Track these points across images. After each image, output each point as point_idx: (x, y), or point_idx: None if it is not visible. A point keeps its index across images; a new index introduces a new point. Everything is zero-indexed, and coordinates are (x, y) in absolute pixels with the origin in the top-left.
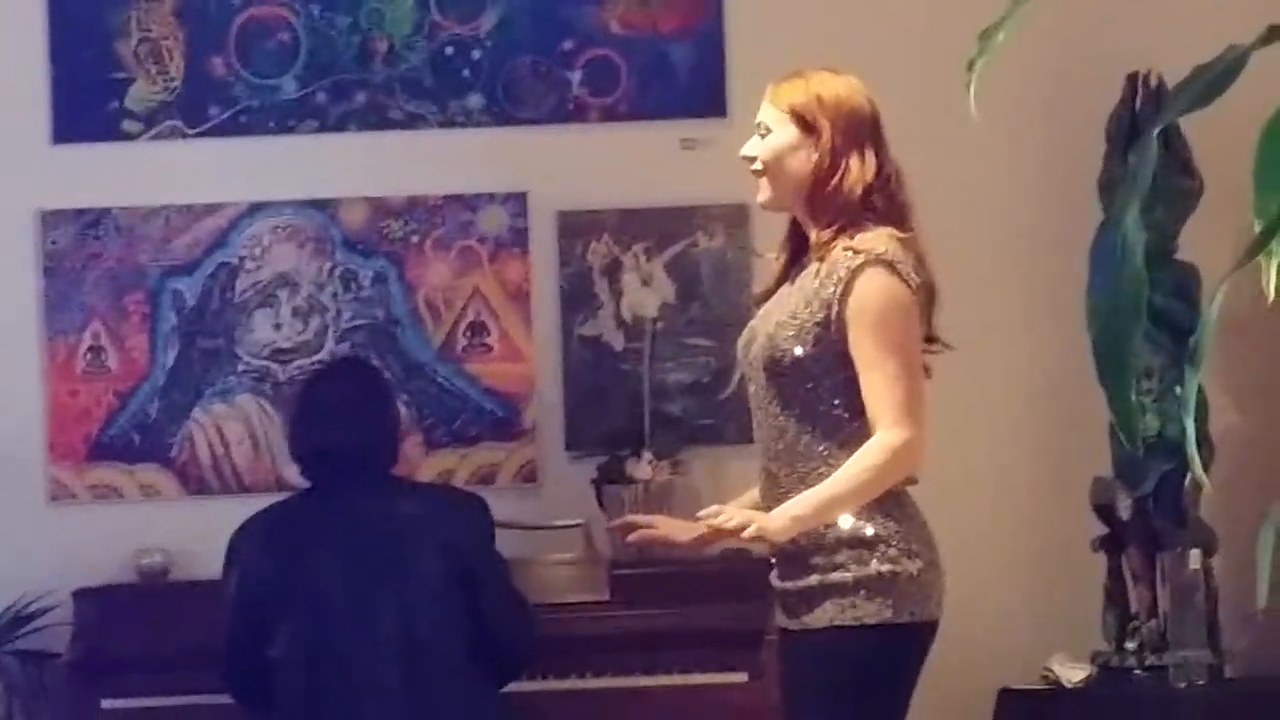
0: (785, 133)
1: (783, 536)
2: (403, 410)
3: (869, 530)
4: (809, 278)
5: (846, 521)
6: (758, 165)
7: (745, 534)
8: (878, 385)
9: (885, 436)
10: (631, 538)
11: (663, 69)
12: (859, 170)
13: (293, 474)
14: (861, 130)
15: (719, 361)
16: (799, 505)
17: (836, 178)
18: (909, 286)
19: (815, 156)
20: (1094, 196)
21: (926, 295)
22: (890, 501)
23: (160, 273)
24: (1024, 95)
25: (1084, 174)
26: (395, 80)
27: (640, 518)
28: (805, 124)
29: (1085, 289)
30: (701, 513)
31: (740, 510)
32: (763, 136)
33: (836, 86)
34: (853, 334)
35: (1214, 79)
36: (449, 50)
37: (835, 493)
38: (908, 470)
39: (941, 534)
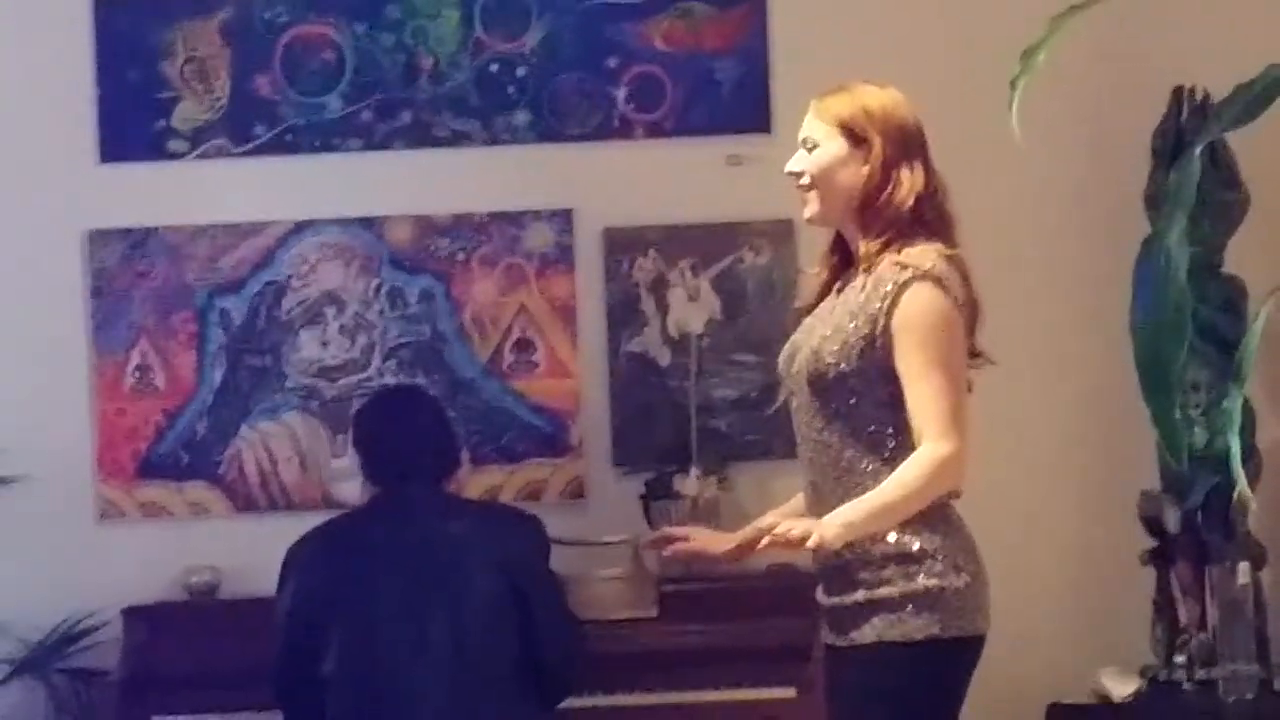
0: (834, 146)
1: (838, 543)
2: None
3: (915, 545)
4: (855, 291)
5: (892, 536)
6: (805, 180)
7: (809, 544)
8: (923, 398)
9: (932, 448)
10: (666, 553)
11: (708, 85)
12: (910, 182)
13: (341, 491)
14: (910, 142)
15: (765, 377)
16: (850, 512)
17: (889, 190)
18: (955, 302)
19: (866, 169)
20: (1141, 210)
21: (971, 312)
22: (936, 515)
23: (207, 291)
24: (1068, 111)
25: (1130, 188)
26: (440, 98)
27: (676, 531)
28: (854, 136)
29: (1130, 304)
30: (760, 522)
31: (798, 520)
32: (809, 151)
33: (882, 98)
34: (899, 348)
35: (1255, 97)
36: (494, 67)
37: (885, 501)
38: (954, 482)
39: (988, 548)
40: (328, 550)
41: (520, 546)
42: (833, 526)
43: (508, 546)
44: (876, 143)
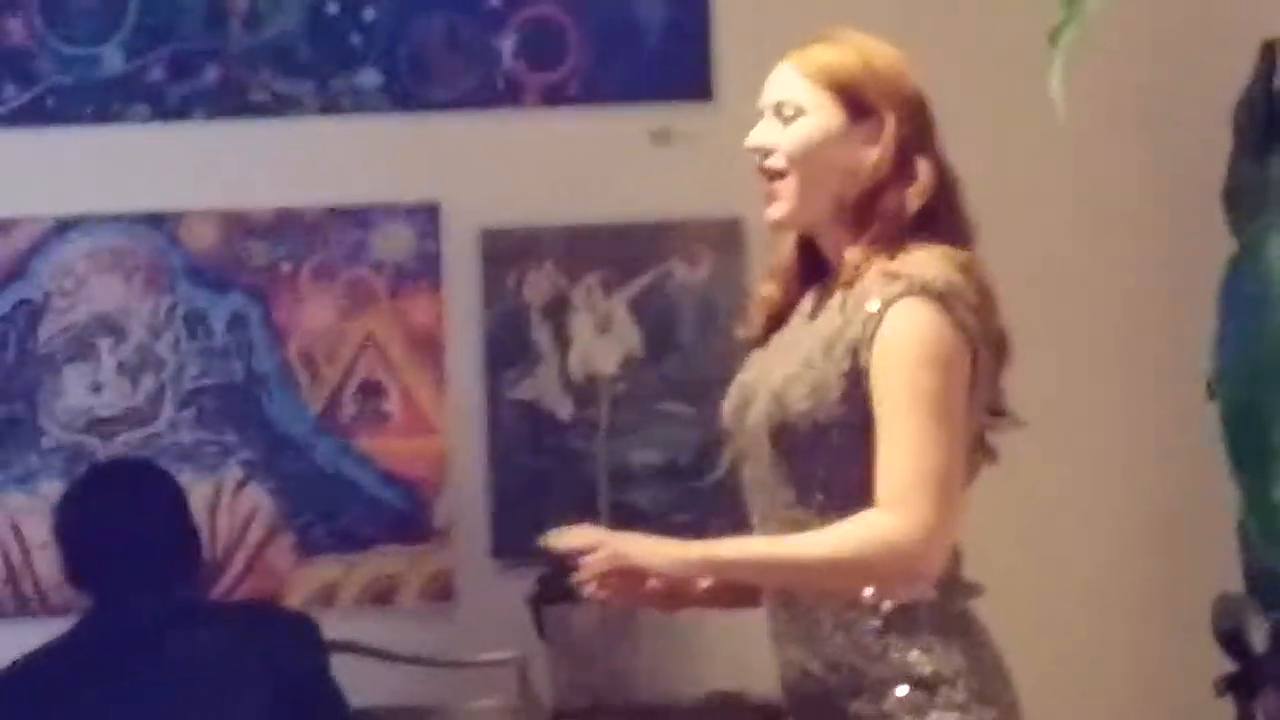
0: (827, 117)
1: (682, 571)
2: (269, 502)
3: (927, 667)
4: (831, 314)
5: (895, 654)
6: (779, 162)
7: (653, 564)
8: (892, 453)
9: (880, 520)
10: (590, 571)
11: (627, 35)
12: (927, 174)
13: None
14: (924, 120)
15: (702, 434)
16: (732, 547)
17: (900, 184)
18: (961, 328)
19: (875, 153)
20: (1217, 209)
21: (992, 346)
22: (954, 626)
23: None
24: (1120, 75)
25: (1203, 178)
26: (258, 50)
27: (584, 535)
28: (858, 107)
29: (1212, 343)
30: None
31: (625, 537)
32: (786, 121)
33: (890, 58)
34: (875, 382)
35: None
36: (332, 8)
37: (787, 555)
38: (900, 578)
39: (1017, 669)
40: (38, 688)
41: (289, 660)
42: (692, 550)
43: (274, 658)
44: (890, 119)
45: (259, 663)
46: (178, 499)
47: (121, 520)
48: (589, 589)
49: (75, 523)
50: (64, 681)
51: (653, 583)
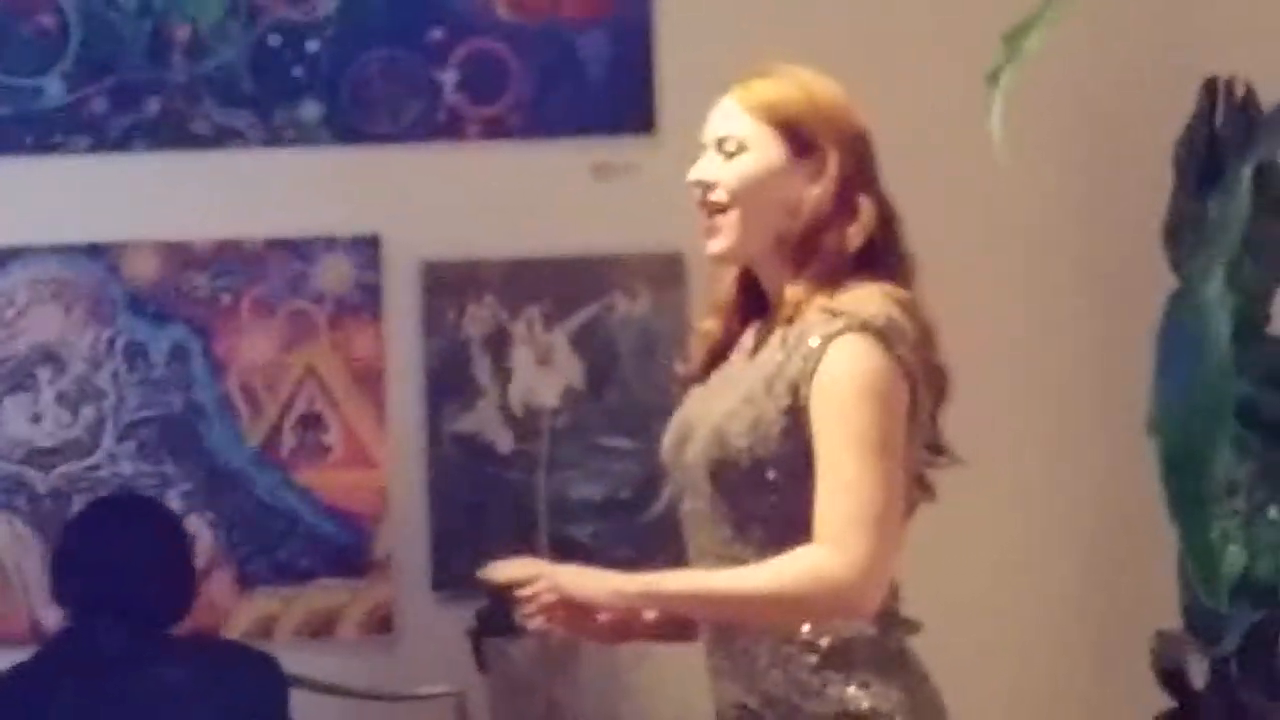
0: (770, 152)
1: (621, 603)
2: (209, 534)
3: (864, 703)
4: (772, 350)
5: (833, 689)
6: (721, 196)
7: (594, 597)
8: (830, 490)
9: (818, 555)
10: (534, 603)
11: (568, 69)
12: (867, 212)
13: (52, 619)
14: (868, 158)
15: (643, 468)
16: (673, 580)
17: (841, 221)
18: (899, 363)
19: (816, 190)
20: (1158, 246)
21: (932, 383)
22: (891, 662)
23: None
24: (1061, 111)
25: (1145, 215)
26: (201, 82)
27: (522, 569)
28: (801, 142)
29: (1151, 383)
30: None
31: (563, 569)
32: (729, 156)
33: (834, 94)
34: (814, 419)
35: None
36: (275, 40)
37: (725, 589)
38: (837, 614)
39: (954, 706)
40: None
41: (249, 699)
42: (632, 583)
43: (233, 697)
44: (832, 155)
45: (222, 700)
46: (176, 541)
47: (111, 551)
48: (535, 621)
49: (69, 545)
50: (25, 704)
51: (602, 616)
